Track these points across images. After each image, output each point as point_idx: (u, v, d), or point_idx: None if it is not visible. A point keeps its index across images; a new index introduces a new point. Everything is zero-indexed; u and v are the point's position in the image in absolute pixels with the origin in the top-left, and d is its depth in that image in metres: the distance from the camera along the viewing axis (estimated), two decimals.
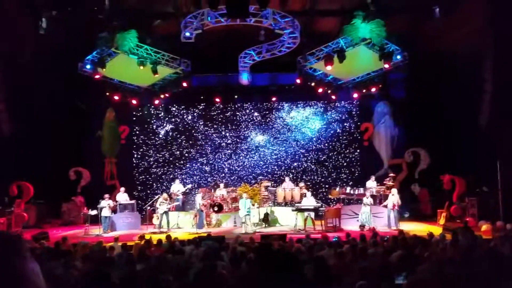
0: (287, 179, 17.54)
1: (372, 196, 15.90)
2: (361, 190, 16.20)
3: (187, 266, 6.06)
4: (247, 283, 4.78)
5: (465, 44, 14.91)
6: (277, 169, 19.81)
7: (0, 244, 1.50)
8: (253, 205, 15.72)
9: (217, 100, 19.45)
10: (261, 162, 19.91)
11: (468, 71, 15.16)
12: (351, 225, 15.35)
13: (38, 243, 10.79)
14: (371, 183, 16.64)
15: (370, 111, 19.74)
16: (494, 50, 14.61)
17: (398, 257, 6.41)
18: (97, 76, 15.89)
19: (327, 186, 19.38)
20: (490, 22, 14.22)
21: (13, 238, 1.57)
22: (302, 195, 16.32)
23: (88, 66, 15.71)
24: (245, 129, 20.07)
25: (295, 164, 19.83)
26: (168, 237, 10.75)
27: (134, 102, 18.69)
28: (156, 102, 19.20)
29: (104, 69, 15.63)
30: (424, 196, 18.14)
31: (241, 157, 19.93)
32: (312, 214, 14.98)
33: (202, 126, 20.04)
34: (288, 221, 15.96)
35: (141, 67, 15.47)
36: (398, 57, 15.51)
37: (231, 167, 19.88)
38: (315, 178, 19.74)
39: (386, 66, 15.56)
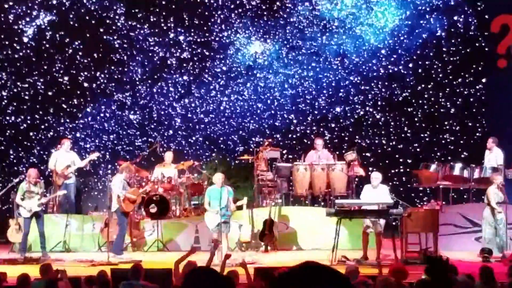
0: (318, 141, 8.49)
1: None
2: (488, 173, 8.18)
3: None
4: None
5: None
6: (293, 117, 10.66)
7: None
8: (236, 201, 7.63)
9: None
10: (262, 97, 10.76)
11: None
12: (462, 248, 8.05)
13: None
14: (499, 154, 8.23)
15: None
16: None
17: None
18: None
19: (408, 161, 10.18)
20: None
21: None
22: (351, 178, 8.01)
23: None
24: None
25: (334, 111, 10.60)
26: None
27: None
28: None
29: None
30: None
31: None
32: (382, 224, 7.22)
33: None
34: (318, 237, 8.28)
35: None
36: None
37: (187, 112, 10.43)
38: (378, 143, 10.43)
39: None
